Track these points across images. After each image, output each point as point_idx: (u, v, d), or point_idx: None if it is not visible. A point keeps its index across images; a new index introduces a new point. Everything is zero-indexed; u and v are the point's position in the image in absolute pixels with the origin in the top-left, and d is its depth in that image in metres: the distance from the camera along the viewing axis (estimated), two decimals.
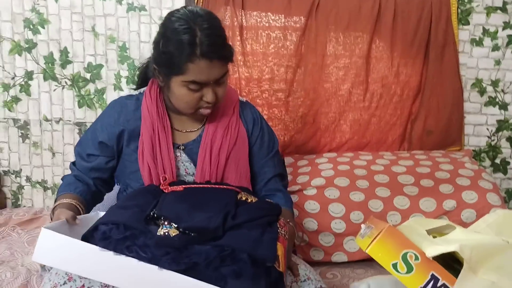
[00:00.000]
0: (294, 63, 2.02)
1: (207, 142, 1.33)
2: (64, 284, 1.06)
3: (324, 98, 2.05)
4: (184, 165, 1.33)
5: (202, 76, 1.19)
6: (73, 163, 1.38)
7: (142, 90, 1.38)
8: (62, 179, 1.36)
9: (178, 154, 1.32)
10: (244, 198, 1.20)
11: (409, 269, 0.97)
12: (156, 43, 1.24)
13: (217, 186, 1.25)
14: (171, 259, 0.98)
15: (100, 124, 1.35)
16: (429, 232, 1.14)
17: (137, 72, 1.55)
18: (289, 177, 1.74)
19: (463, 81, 2.07)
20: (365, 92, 2.06)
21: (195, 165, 1.33)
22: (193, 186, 1.23)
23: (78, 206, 1.24)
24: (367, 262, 1.67)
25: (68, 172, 1.39)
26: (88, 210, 1.30)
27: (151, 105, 1.32)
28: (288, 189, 1.52)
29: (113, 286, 1.08)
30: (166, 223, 1.06)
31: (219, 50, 1.20)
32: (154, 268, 0.97)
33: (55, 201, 1.27)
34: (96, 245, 0.99)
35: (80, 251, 0.99)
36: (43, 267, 1.48)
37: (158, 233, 1.02)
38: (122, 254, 0.98)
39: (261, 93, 2.03)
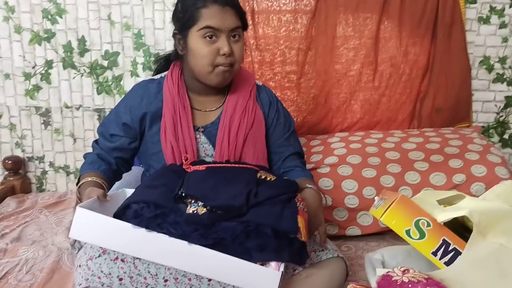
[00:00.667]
0: (305, 45, 2.07)
1: (225, 124, 1.39)
2: (99, 256, 1.13)
3: (335, 79, 2.10)
4: (203, 146, 1.40)
5: (215, 20, 1.27)
6: (96, 142, 1.46)
7: (163, 74, 1.45)
8: (84, 156, 1.43)
9: (198, 136, 1.40)
10: (263, 177, 1.26)
11: (422, 235, 1.04)
12: (174, 11, 1.36)
13: (237, 165, 1.31)
14: (200, 235, 1.05)
15: (124, 106, 1.42)
16: (439, 202, 1.20)
17: (154, 60, 1.65)
18: None
19: (471, 59, 2.11)
20: (374, 72, 2.11)
21: (213, 146, 1.40)
22: (214, 165, 1.29)
23: (103, 184, 1.32)
24: (379, 235, 1.73)
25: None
26: (109, 188, 1.38)
27: (172, 86, 1.39)
28: None
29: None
30: (193, 201, 1.13)
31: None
32: (184, 243, 1.04)
33: (78, 179, 1.35)
34: (128, 222, 1.07)
35: (114, 228, 1.07)
36: (73, 245, 1.56)
37: (187, 212, 1.09)
38: (154, 231, 1.05)
39: (273, 75, 2.08)
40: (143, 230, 1.06)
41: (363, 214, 1.72)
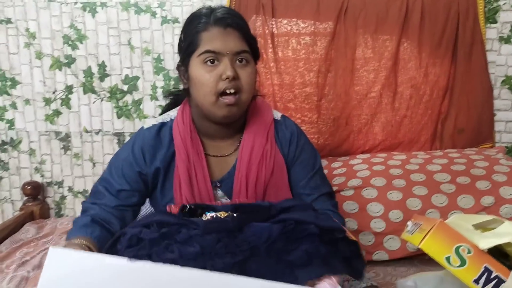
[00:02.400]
0: (325, 67, 2.06)
1: (242, 176, 1.23)
2: None
3: (355, 101, 2.09)
4: (220, 200, 1.27)
5: (216, 43, 1.13)
6: (91, 202, 1.25)
7: (172, 114, 1.29)
8: (74, 221, 1.22)
9: (214, 192, 1.26)
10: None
11: (462, 262, 1.00)
12: (178, 43, 1.24)
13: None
14: (224, 247, 0.83)
15: (132, 157, 1.24)
16: (475, 227, 1.17)
17: (164, 95, 1.53)
18: None
19: (492, 79, 2.09)
20: (395, 94, 2.09)
21: (230, 199, 1.26)
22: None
23: (92, 249, 1.09)
24: (407, 260, 1.69)
25: None
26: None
27: (183, 129, 1.23)
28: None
29: None
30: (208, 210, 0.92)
31: (235, 20, 1.16)
32: (206, 274, 0.76)
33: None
34: (122, 256, 0.83)
35: (94, 264, 0.81)
36: None
37: (204, 219, 0.89)
38: (162, 257, 0.82)
39: (293, 97, 2.07)
40: (140, 262, 0.79)
41: (390, 238, 1.68)
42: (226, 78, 1.13)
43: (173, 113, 1.29)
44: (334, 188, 1.79)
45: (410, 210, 1.67)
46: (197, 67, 1.15)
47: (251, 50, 1.19)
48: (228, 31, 1.15)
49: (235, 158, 1.26)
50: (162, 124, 1.26)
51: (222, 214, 0.89)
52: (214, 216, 0.88)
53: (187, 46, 1.17)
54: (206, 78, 1.14)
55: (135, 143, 1.25)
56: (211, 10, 1.18)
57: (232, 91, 1.14)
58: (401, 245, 1.67)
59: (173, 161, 1.23)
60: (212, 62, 1.14)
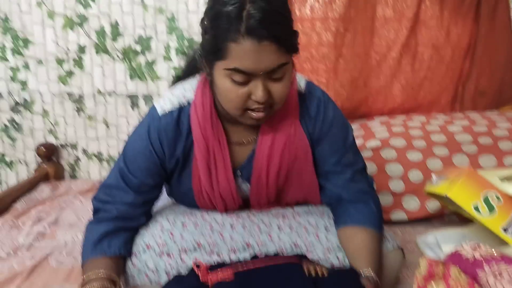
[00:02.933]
0: (343, 27, 2.01)
1: (263, 164, 1.13)
2: (144, 252, 1.10)
3: (374, 61, 2.04)
4: (240, 187, 1.20)
5: (247, 62, 0.92)
6: (102, 201, 1.13)
7: (188, 96, 1.12)
8: (89, 228, 1.11)
9: (235, 179, 1.18)
10: (313, 272, 0.95)
11: (491, 210, 0.98)
12: (202, 19, 1.00)
13: (269, 262, 0.99)
14: None
15: (147, 152, 1.11)
16: (501, 179, 1.14)
17: (186, 60, 1.31)
18: None
19: None
20: (415, 54, 2.04)
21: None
22: (243, 269, 0.95)
23: (115, 281, 1.02)
24: (426, 221, 1.66)
25: None
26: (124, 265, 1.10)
27: (203, 116, 1.09)
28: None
29: None
30: None
31: (273, 28, 0.90)
32: None
33: (82, 266, 1.06)
34: None
35: None
36: None
37: None
38: None
39: (311, 57, 2.02)
40: None
41: (409, 198, 1.65)
42: (256, 101, 0.97)
43: (189, 93, 1.12)
44: None
45: (430, 170, 1.63)
46: (222, 78, 0.97)
47: (290, 52, 0.97)
48: (263, 46, 0.91)
49: (253, 145, 1.15)
50: (180, 110, 1.10)
51: None
52: None
53: (212, 47, 0.95)
54: (232, 96, 0.97)
55: (151, 132, 1.10)
56: (241, 8, 0.90)
57: (261, 109, 0.99)
58: (420, 206, 1.64)
59: (191, 149, 1.12)
60: (241, 84, 0.95)
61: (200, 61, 1.03)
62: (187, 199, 1.22)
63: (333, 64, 2.02)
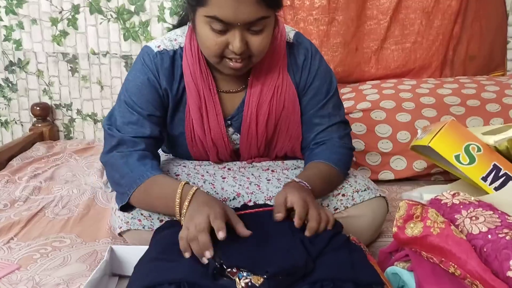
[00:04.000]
0: None
1: (252, 112, 1.16)
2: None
3: (367, 25, 2.04)
4: (231, 137, 1.24)
5: (226, 11, 0.95)
6: (117, 151, 1.11)
7: (180, 40, 1.15)
8: (112, 162, 1.11)
9: (226, 129, 1.21)
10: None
11: (471, 160, 1.02)
12: None
13: (259, 209, 1.03)
14: None
15: (149, 83, 1.12)
16: (484, 134, 1.17)
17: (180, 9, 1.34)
18: None
19: (508, 4, 2.03)
20: (405, 19, 2.04)
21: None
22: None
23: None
24: (413, 181, 1.71)
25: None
26: None
27: (193, 63, 1.12)
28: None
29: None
30: (236, 271, 0.82)
31: None
32: None
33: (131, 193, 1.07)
34: None
35: None
36: (106, 184, 1.57)
37: (238, 286, 0.79)
38: None
39: (304, 20, 2.02)
40: None
41: (397, 158, 1.70)
42: (233, 51, 1.00)
43: (181, 38, 1.15)
44: None
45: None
46: (202, 25, 1.00)
47: (271, 7, 0.99)
48: None
49: (243, 94, 1.18)
50: (174, 53, 1.13)
51: (256, 280, 0.79)
52: (249, 283, 0.79)
53: None
54: (209, 43, 1.00)
55: (148, 65, 1.12)
56: None
57: (238, 60, 1.03)
58: (407, 165, 1.69)
59: (184, 95, 1.15)
60: (219, 32, 0.99)
61: (185, 7, 1.07)
62: (181, 148, 1.25)
63: (326, 27, 2.03)
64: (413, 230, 0.84)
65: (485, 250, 0.80)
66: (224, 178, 1.21)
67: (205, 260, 0.83)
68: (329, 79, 1.22)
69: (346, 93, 1.94)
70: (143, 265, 0.87)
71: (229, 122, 1.20)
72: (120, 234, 1.15)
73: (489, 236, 0.81)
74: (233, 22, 0.96)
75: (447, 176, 1.65)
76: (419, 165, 1.67)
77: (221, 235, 0.85)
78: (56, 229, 1.31)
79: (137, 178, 1.06)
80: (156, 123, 1.14)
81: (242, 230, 0.90)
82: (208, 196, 0.98)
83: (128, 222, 1.11)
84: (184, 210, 0.95)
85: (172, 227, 0.99)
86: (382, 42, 2.05)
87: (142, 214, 1.11)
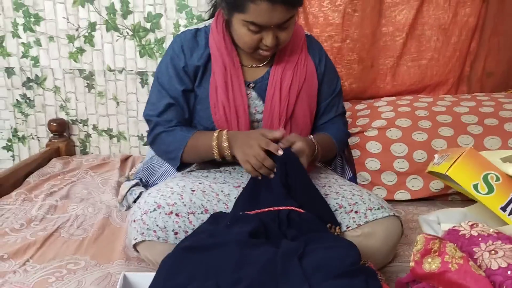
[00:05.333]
0: (351, 7, 2.00)
1: (277, 79, 1.32)
2: (153, 211, 1.13)
3: (382, 42, 2.03)
4: (254, 103, 1.35)
5: (262, 19, 1.16)
6: (157, 124, 1.34)
7: (207, 23, 1.37)
8: (157, 137, 1.34)
9: (248, 92, 1.33)
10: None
11: (490, 189, 1.00)
12: None
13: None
14: None
15: (174, 57, 1.33)
16: (503, 160, 1.15)
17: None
18: (349, 121, 1.76)
19: None
20: (422, 35, 2.03)
21: (264, 102, 1.34)
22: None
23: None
24: (429, 201, 1.69)
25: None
26: None
27: (219, 40, 1.30)
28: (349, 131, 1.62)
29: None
30: None
31: None
32: None
33: (183, 150, 1.29)
34: None
35: None
36: (121, 203, 1.58)
37: None
38: None
39: (317, 38, 2.02)
40: None
41: (413, 178, 1.67)
42: (266, 46, 1.21)
43: (205, 23, 1.36)
44: (358, 129, 1.79)
45: (434, 150, 1.65)
46: (239, 26, 1.20)
47: (297, 6, 1.20)
48: (276, 7, 1.14)
49: (269, 65, 1.35)
50: (197, 30, 1.35)
51: None
52: None
53: (233, 2, 1.18)
54: (246, 39, 1.21)
55: (174, 44, 1.33)
56: None
57: (269, 50, 1.24)
58: (423, 185, 1.67)
59: (209, 63, 1.31)
60: (255, 32, 1.19)
61: (219, 3, 1.26)
62: (205, 115, 1.33)
63: (340, 44, 2.02)
64: (431, 265, 0.83)
65: (504, 287, 0.78)
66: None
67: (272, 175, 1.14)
68: (337, 74, 1.46)
69: (361, 109, 1.92)
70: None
71: (252, 84, 1.33)
72: (134, 247, 1.16)
73: (509, 272, 0.80)
74: (267, 25, 1.18)
75: (464, 196, 1.60)
76: (436, 185, 1.65)
77: (280, 152, 1.15)
78: (71, 250, 1.31)
79: (181, 141, 1.29)
80: (185, 101, 1.32)
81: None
82: (241, 132, 1.25)
83: (143, 233, 1.12)
84: (228, 152, 1.23)
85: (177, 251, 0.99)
86: (398, 58, 2.04)
87: (157, 225, 1.11)
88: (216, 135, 1.25)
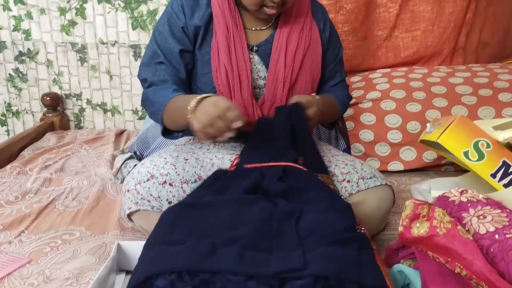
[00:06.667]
0: None
1: (282, 42, 1.27)
2: (147, 180, 1.12)
3: (376, 14, 2.01)
4: (256, 67, 1.30)
5: None
6: (152, 83, 1.26)
7: None
8: (148, 93, 1.24)
9: (251, 56, 1.29)
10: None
11: (481, 156, 1.00)
12: None
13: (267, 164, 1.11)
14: None
15: (173, 15, 1.26)
16: (495, 128, 1.15)
17: None
18: None
19: None
20: (416, 6, 2.00)
21: (267, 67, 1.29)
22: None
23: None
24: (422, 171, 1.70)
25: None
26: None
27: (222, 1, 1.25)
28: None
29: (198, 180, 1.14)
30: None
31: None
32: None
33: (163, 112, 1.18)
34: None
35: None
36: (115, 176, 1.58)
37: None
38: None
39: None
40: None
41: (407, 149, 1.68)
42: (272, 1, 1.16)
43: None
44: (352, 101, 1.78)
45: (428, 121, 1.65)
46: None
47: None
48: None
49: (273, 29, 1.30)
50: None
51: None
52: None
53: None
54: None
55: (174, 3, 1.27)
56: None
57: (275, 7, 1.18)
58: (416, 156, 1.67)
59: (210, 24, 1.26)
60: None
61: None
62: (206, 80, 1.28)
63: (334, 15, 2.00)
64: (419, 229, 0.83)
65: (491, 250, 0.79)
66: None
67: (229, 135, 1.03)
68: (339, 40, 1.44)
69: (355, 82, 1.92)
70: (146, 250, 0.86)
71: (255, 48, 1.29)
72: (129, 216, 1.16)
73: (496, 236, 0.80)
74: None
75: (457, 166, 1.63)
76: (429, 156, 1.65)
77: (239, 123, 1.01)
78: (66, 222, 1.32)
79: (162, 102, 1.19)
80: (182, 62, 1.26)
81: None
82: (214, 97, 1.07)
83: (137, 202, 1.12)
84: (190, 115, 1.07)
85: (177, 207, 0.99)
86: (391, 30, 2.02)
87: (151, 195, 1.11)
88: (198, 98, 1.09)
